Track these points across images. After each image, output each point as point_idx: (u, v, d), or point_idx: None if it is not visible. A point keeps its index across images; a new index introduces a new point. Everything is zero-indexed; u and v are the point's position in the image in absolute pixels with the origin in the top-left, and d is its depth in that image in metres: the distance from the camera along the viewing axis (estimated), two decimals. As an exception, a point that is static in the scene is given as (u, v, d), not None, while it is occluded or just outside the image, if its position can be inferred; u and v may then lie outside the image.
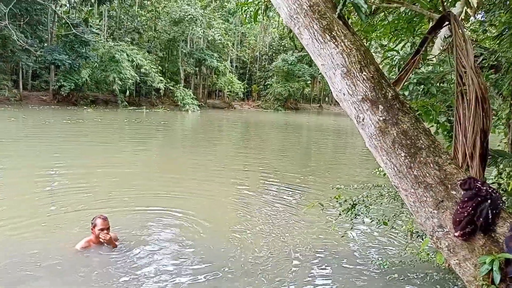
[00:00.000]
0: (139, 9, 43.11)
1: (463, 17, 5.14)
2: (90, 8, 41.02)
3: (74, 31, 32.17)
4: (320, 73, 3.16)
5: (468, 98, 2.96)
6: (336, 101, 3.11)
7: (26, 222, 6.14)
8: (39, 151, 13.00)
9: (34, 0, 31.54)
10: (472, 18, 6.32)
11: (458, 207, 2.56)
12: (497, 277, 2.40)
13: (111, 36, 41.25)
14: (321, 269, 5.03)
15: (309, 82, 57.21)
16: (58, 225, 6.11)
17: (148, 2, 43.81)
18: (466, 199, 2.56)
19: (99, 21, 42.55)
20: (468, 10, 4.91)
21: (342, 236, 5.58)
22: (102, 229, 5.03)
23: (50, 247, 5.19)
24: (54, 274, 4.54)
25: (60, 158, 11.80)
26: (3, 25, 27.53)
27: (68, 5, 40.33)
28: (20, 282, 4.32)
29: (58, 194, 7.92)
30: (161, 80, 38.24)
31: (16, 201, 7.24)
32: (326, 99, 64.99)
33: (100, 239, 5.05)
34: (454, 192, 2.62)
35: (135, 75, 36.07)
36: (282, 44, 56.24)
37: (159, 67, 39.91)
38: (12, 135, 16.80)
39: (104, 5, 38.00)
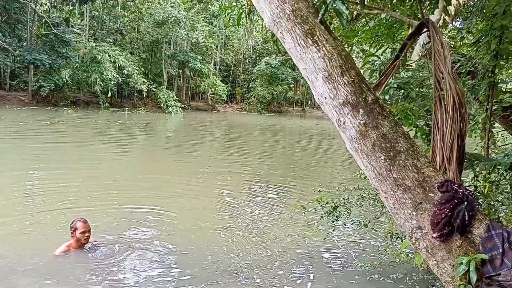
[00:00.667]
0: (121, 10, 42.56)
1: (441, 24, 5.27)
2: (71, 8, 40.30)
3: (54, 30, 31.62)
4: (303, 77, 3.20)
5: (445, 103, 3.04)
6: (318, 105, 3.14)
7: (2, 225, 5.97)
8: (17, 152, 12.68)
9: (13, -1, 30.85)
10: (450, 25, 6.49)
11: (436, 209, 2.63)
12: (474, 277, 2.47)
13: (93, 37, 40.62)
14: (303, 270, 5.06)
15: (292, 85, 57.55)
16: (36, 229, 5.98)
17: (131, 3, 43.32)
18: (443, 201, 2.63)
19: (81, 21, 41.82)
20: (446, 17, 5.04)
21: (324, 239, 5.62)
22: (83, 232, 4.95)
23: (28, 251, 5.06)
24: (31, 281, 4.42)
25: (39, 159, 11.54)
26: (-20, 24, 26.86)
27: (48, 4, 39.52)
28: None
29: (36, 197, 7.74)
30: (143, 81, 37.84)
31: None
32: (309, 102, 65.47)
33: (82, 242, 4.97)
34: (432, 194, 2.69)
35: (117, 76, 35.62)
36: (266, 47, 56.40)
37: (142, 69, 39.51)
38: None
39: (85, 5, 37.34)
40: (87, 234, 4.99)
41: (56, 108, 33.03)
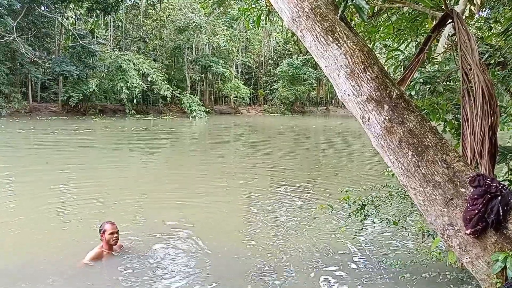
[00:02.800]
0: (144, 19, 43.57)
1: (467, 15, 5.12)
2: (96, 19, 41.62)
3: (81, 42, 32.67)
4: (326, 76, 3.18)
5: (474, 95, 2.95)
6: (342, 103, 3.11)
7: (35, 232, 6.18)
8: (48, 161, 13.13)
9: (41, 13, 32.13)
10: (476, 15, 6.28)
11: (468, 205, 2.54)
12: (511, 274, 2.37)
13: (118, 46, 41.73)
14: (331, 269, 5.00)
15: (314, 85, 57.18)
16: (69, 231, 6.17)
17: (153, 11, 44.25)
18: (476, 196, 2.54)
19: (105, 32, 43.13)
20: (472, 7, 4.89)
21: (353, 238, 5.54)
22: (112, 233, 5.07)
23: (59, 258, 5.19)
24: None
25: (69, 167, 11.90)
26: (12, 39, 28.07)
27: (74, 17, 40.93)
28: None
29: (68, 200, 8.04)
30: (167, 87, 38.53)
31: (26, 211, 7.29)
32: (333, 101, 64.81)
33: (111, 243, 5.09)
34: (463, 190, 2.60)
35: (142, 83, 36.42)
36: (287, 48, 56.35)
37: (165, 75, 40.22)
38: (21, 146, 17.00)
39: (109, 16, 38.49)
40: (115, 236, 5.11)
41: (85, 117, 34.07)
